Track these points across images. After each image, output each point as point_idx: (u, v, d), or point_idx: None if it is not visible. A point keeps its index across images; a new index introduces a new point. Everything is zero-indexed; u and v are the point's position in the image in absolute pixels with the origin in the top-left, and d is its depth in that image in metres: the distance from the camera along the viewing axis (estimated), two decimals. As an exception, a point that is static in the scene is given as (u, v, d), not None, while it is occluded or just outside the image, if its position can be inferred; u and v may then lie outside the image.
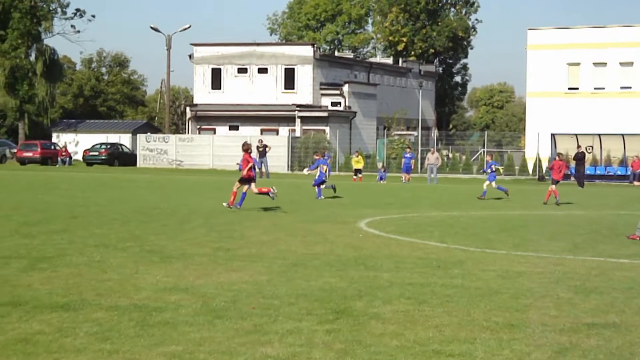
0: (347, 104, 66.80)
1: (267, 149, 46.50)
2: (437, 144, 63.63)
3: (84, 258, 12.78)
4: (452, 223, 20.34)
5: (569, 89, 59.82)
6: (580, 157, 44.15)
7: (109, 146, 63.07)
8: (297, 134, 61.43)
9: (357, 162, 46.76)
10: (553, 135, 51.52)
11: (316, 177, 28.59)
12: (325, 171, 28.47)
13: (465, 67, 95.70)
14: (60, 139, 68.21)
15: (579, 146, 47.21)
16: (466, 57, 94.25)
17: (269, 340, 7.91)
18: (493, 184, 29.85)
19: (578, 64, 59.35)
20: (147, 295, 9.93)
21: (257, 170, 26.97)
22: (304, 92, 65.50)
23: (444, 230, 18.39)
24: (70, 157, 61.90)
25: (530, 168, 55.28)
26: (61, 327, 8.22)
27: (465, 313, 9.25)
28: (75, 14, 71.32)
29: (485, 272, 12.20)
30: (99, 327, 8.27)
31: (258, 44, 68.66)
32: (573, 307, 9.70)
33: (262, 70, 66.00)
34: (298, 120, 63.37)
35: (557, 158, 31.07)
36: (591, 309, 9.60)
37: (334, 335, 8.15)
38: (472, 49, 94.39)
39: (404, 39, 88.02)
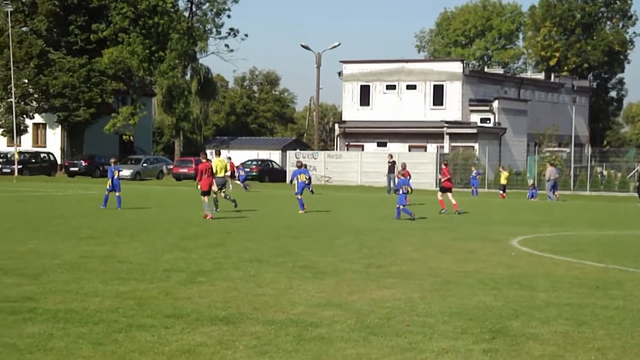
0: (496, 120, 65.79)
1: (395, 165, 46.56)
2: (590, 161, 61.56)
3: (240, 272, 13.10)
4: (610, 242, 19.64)
5: None
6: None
7: (259, 162, 64.48)
8: (446, 150, 60.93)
9: (503, 178, 46.02)
10: None
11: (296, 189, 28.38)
12: (305, 180, 28.35)
13: (621, 82, 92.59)
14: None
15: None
16: (622, 71, 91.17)
17: (425, 359, 7.86)
18: None
19: None
20: (302, 310, 10.07)
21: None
22: (453, 108, 64.94)
23: (600, 249, 17.78)
24: (233, 173, 63.46)
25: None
26: (222, 340, 8.44)
27: (629, 336, 8.91)
28: (229, 34, 73.07)
29: (647, 294, 11.72)
30: (257, 340, 8.45)
31: (406, 61, 68.58)
32: None
33: (411, 87, 65.89)
34: (446, 137, 62.84)
35: (444, 164, 29.56)
36: None
37: (491, 355, 8.02)
38: (628, 63, 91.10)
39: (557, 54, 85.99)
